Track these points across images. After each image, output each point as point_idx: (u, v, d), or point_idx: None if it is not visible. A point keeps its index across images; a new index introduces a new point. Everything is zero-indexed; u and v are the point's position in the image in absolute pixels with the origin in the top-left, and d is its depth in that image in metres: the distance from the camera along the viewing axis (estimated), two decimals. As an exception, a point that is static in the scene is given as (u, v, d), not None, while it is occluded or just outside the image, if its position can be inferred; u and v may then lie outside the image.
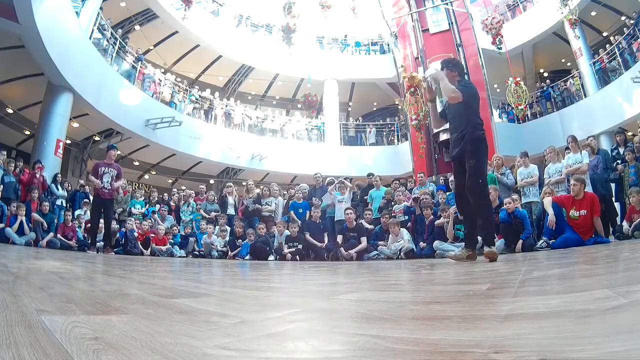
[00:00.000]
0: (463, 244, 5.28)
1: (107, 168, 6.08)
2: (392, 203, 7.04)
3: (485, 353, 0.53)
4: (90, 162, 12.35)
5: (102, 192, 5.96)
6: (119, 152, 13.37)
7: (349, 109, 18.51)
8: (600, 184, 5.75)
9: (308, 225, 6.76)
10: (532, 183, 5.82)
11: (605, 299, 0.89)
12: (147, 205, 8.58)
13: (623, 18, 11.84)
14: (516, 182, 6.22)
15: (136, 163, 14.16)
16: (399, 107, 16.11)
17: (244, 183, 9.50)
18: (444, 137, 11.47)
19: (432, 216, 5.97)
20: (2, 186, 6.67)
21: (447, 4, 12.49)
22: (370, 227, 6.74)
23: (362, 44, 16.23)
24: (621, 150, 6.36)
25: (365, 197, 7.70)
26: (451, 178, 6.97)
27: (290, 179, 14.56)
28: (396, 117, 16.25)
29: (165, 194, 9.46)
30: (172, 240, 7.57)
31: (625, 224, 5.02)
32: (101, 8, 9.88)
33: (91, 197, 8.40)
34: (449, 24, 12.39)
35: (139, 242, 6.99)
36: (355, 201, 7.64)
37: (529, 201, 5.76)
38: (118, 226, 7.37)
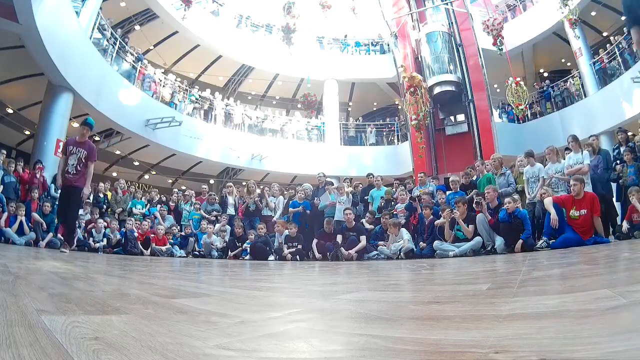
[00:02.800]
0: (463, 244, 5.31)
1: (75, 148, 4.87)
2: (392, 203, 7.04)
3: (485, 353, 0.53)
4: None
5: (66, 178, 4.82)
6: (118, 152, 13.44)
7: (349, 109, 18.50)
8: (601, 184, 5.73)
9: (320, 235, 6.58)
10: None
11: (605, 299, 0.89)
12: (148, 205, 8.57)
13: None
14: (516, 182, 6.20)
15: (136, 163, 14.16)
16: (399, 107, 16.11)
17: (244, 183, 9.50)
18: (437, 90, 11.64)
19: (432, 216, 5.96)
20: (2, 186, 6.67)
21: (447, 4, 12.50)
22: (370, 227, 6.74)
23: (362, 44, 16.23)
24: (622, 149, 6.35)
25: (366, 197, 7.70)
26: (451, 178, 6.98)
27: (290, 179, 14.56)
28: (396, 117, 16.25)
29: (166, 196, 9.44)
30: (172, 240, 7.57)
31: (625, 223, 5.02)
32: (101, 8, 9.87)
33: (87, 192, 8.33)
34: (449, 23, 12.42)
35: (139, 242, 6.99)
36: (356, 200, 7.64)
37: (533, 201, 5.73)
38: (118, 226, 7.37)
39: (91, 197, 8.20)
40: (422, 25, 12.73)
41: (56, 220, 7.01)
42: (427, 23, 12.72)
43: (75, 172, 4.81)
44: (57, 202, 7.39)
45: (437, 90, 11.82)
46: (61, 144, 8.74)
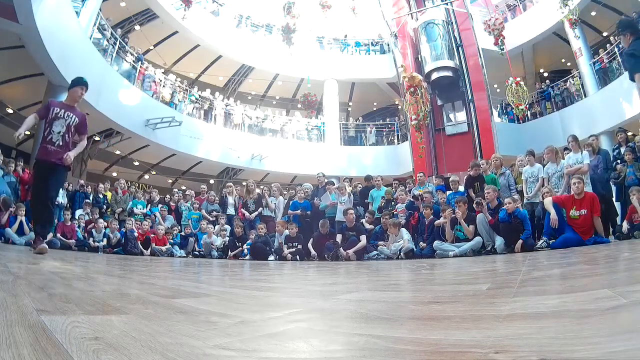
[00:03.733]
0: (463, 244, 5.31)
1: (63, 111, 3.64)
2: (392, 203, 7.03)
3: (485, 353, 0.53)
4: (90, 162, 12.34)
5: (46, 150, 3.58)
6: (118, 152, 13.44)
7: (349, 109, 18.50)
8: (601, 184, 5.73)
9: (316, 238, 6.54)
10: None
11: (605, 299, 0.89)
12: (149, 205, 8.56)
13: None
14: (515, 182, 6.20)
15: (136, 163, 14.16)
16: (399, 107, 16.11)
17: (244, 183, 9.50)
18: (435, 75, 11.66)
19: (432, 216, 5.96)
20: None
21: (447, 3, 12.50)
22: (370, 227, 6.73)
23: (362, 44, 16.23)
24: (622, 149, 6.35)
25: (366, 200, 7.67)
26: (451, 178, 6.97)
27: (290, 179, 14.56)
28: (396, 117, 16.25)
29: (168, 196, 9.42)
30: (172, 240, 7.57)
31: (625, 223, 5.02)
32: (101, 8, 9.87)
33: (88, 190, 8.28)
34: (449, 23, 12.42)
35: (139, 242, 6.99)
36: (356, 201, 7.63)
37: (531, 202, 5.73)
38: (118, 226, 7.36)
39: (91, 197, 8.20)
40: (420, 14, 12.80)
41: (58, 220, 7.02)
42: (425, 13, 12.80)
43: (62, 143, 3.59)
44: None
45: (434, 76, 11.90)
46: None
